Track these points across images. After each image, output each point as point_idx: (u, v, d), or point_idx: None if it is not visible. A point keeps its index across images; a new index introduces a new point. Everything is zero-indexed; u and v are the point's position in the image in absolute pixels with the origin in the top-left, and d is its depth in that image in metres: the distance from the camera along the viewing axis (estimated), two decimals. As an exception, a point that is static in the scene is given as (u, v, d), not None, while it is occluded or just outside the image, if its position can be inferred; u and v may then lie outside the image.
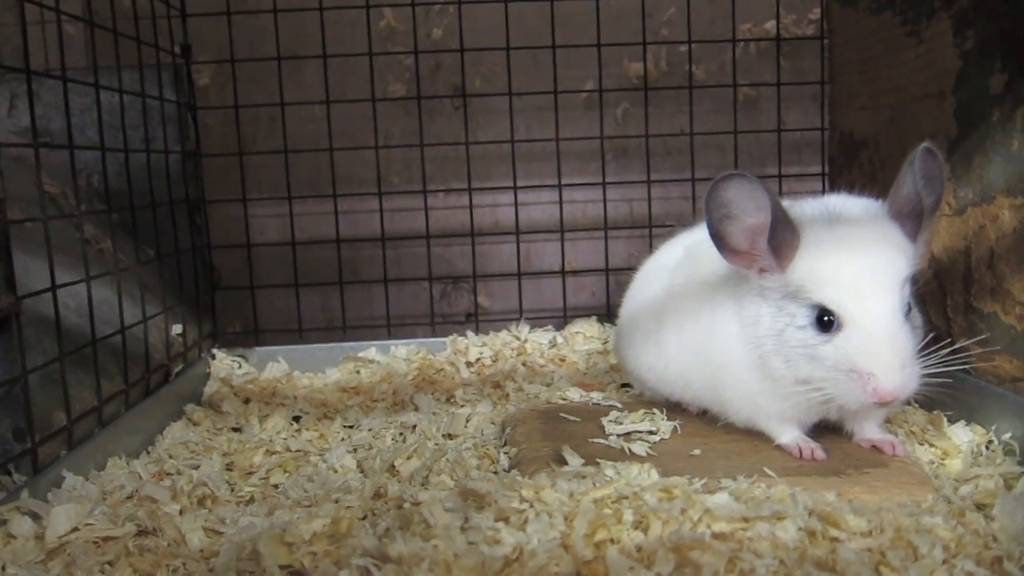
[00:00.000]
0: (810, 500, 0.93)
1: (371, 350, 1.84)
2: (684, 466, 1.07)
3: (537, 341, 1.86)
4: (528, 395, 1.53)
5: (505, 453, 1.23)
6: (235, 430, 1.45)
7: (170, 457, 1.29)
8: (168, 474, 1.21)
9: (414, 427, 1.38)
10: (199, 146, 1.89)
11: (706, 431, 1.22)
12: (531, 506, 0.89)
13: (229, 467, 1.25)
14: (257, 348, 1.86)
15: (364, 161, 1.97)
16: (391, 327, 1.98)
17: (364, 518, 0.97)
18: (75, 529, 0.97)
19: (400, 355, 1.82)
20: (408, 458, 1.19)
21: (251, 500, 1.14)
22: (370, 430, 1.39)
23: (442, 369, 1.72)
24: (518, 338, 1.87)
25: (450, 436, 1.34)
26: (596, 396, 1.45)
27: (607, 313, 1.92)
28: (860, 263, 1.00)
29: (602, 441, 1.19)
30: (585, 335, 1.89)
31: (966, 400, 1.23)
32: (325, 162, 1.93)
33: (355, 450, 1.30)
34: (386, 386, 1.62)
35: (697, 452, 1.14)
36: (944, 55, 1.30)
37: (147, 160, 1.62)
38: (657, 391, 1.34)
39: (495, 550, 0.81)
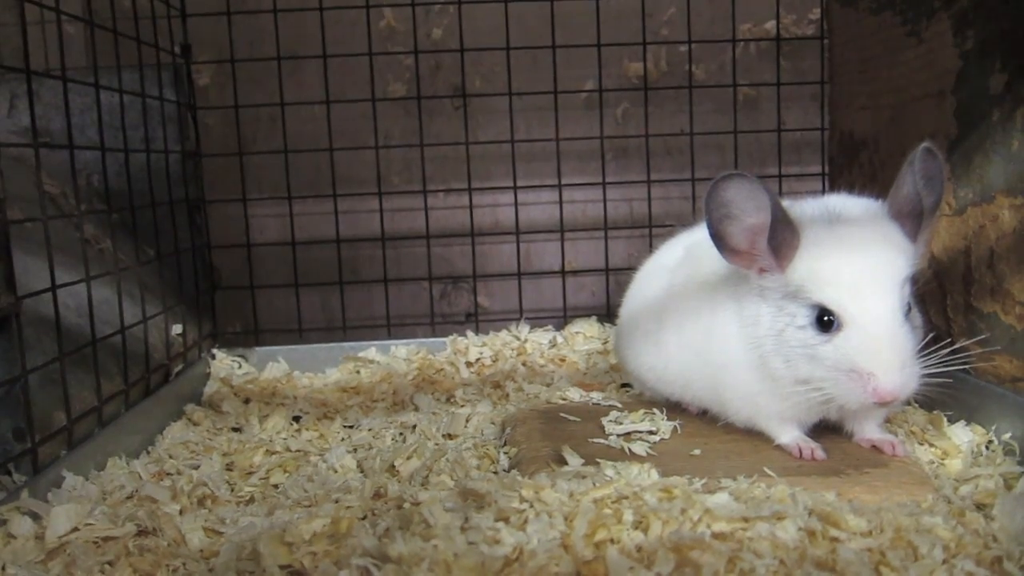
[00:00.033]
0: (810, 500, 0.93)
1: (371, 350, 1.84)
2: (684, 466, 1.07)
3: (537, 341, 1.86)
4: (528, 395, 1.53)
5: (505, 453, 1.23)
6: (235, 430, 1.45)
7: (170, 457, 1.29)
8: (168, 474, 1.21)
9: (414, 427, 1.39)
10: (199, 146, 1.89)
11: (706, 431, 1.22)
12: (531, 506, 0.89)
13: (229, 467, 1.25)
14: (257, 348, 1.86)
15: (364, 161, 1.97)
16: (391, 327, 1.98)
17: (364, 518, 0.97)
18: (75, 529, 0.97)
19: (400, 355, 1.82)
20: (408, 458, 1.19)
21: (251, 500, 1.14)
22: (370, 430, 1.39)
23: (442, 369, 1.72)
24: (518, 338, 1.87)
25: (450, 436, 1.34)
26: (596, 396, 1.45)
27: (607, 313, 1.93)
28: (860, 263, 1.00)
29: (602, 441, 1.19)
30: (585, 335, 1.89)
31: (966, 400, 1.23)
32: (325, 162, 1.93)
33: (355, 450, 1.30)
34: (386, 386, 1.62)
35: (697, 452, 1.14)
36: (944, 55, 1.30)
37: (147, 160, 1.62)
38: (657, 391, 1.34)
39: (495, 550, 0.81)
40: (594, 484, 0.95)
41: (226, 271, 2.00)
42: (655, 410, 1.29)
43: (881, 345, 0.98)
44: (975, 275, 1.24)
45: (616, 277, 1.97)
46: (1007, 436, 1.16)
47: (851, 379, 1.00)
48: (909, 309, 1.02)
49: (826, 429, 1.17)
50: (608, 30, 1.89)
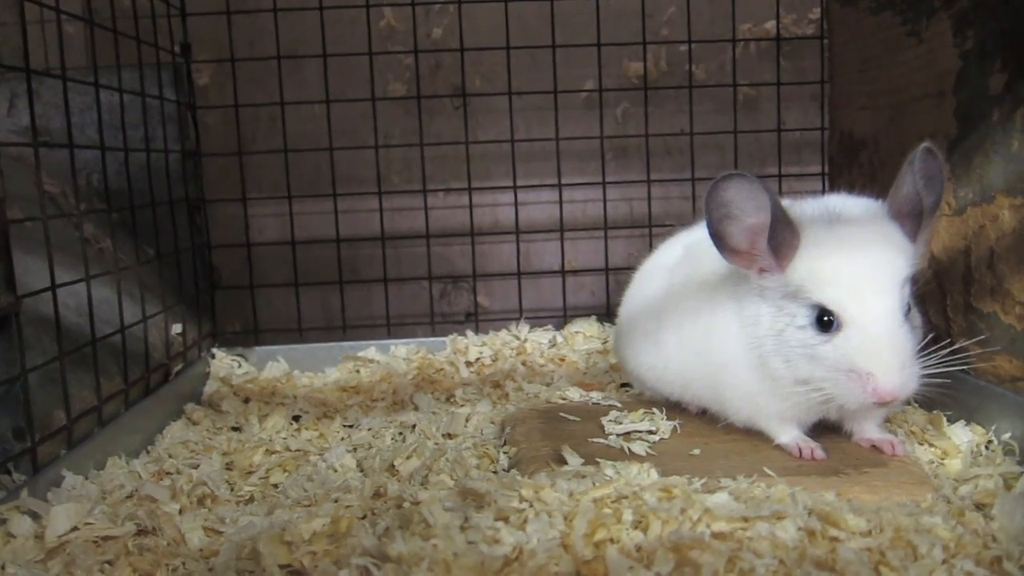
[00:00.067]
0: (810, 500, 0.93)
1: (371, 349, 1.84)
2: (684, 466, 1.07)
3: (537, 341, 1.86)
4: (528, 395, 1.53)
5: (505, 453, 1.23)
6: (235, 429, 1.45)
7: (170, 456, 1.29)
8: (168, 473, 1.21)
9: (414, 427, 1.39)
10: (199, 145, 1.89)
11: (706, 431, 1.22)
12: (531, 506, 0.89)
13: (229, 466, 1.25)
14: (257, 347, 1.86)
15: (364, 160, 1.97)
16: (391, 326, 1.98)
17: (364, 517, 0.97)
18: (75, 528, 0.97)
19: (400, 355, 1.82)
20: (408, 458, 1.19)
21: (251, 499, 1.14)
22: (370, 429, 1.39)
23: (442, 369, 1.72)
24: (518, 338, 1.87)
25: (450, 436, 1.34)
26: (596, 396, 1.45)
27: (607, 313, 1.93)
28: (860, 263, 1.00)
29: (602, 441, 1.19)
30: (585, 335, 1.89)
31: (966, 400, 1.23)
32: (325, 161, 1.93)
33: (355, 449, 1.30)
34: (386, 386, 1.62)
35: (697, 452, 1.14)
36: (944, 55, 1.30)
37: (147, 159, 1.62)
38: (656, 391, 1.34)
39: (495, 549, 0.81)
40: (594, 484, 0.95)
41: (226, 270, 2.00)
42: (655, 410, 1.29)
43: (881, 345, 0.98)
44: (975, 275, 1.24)
45: (616, 277, 1.97)
46: (1007, 436, 1.16)
47: (851, 379, 1.00)
48: (908, 309, 1.02)
49: (826, 429, 1.17)
50: (608, 30, 1.89)
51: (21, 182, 1.29)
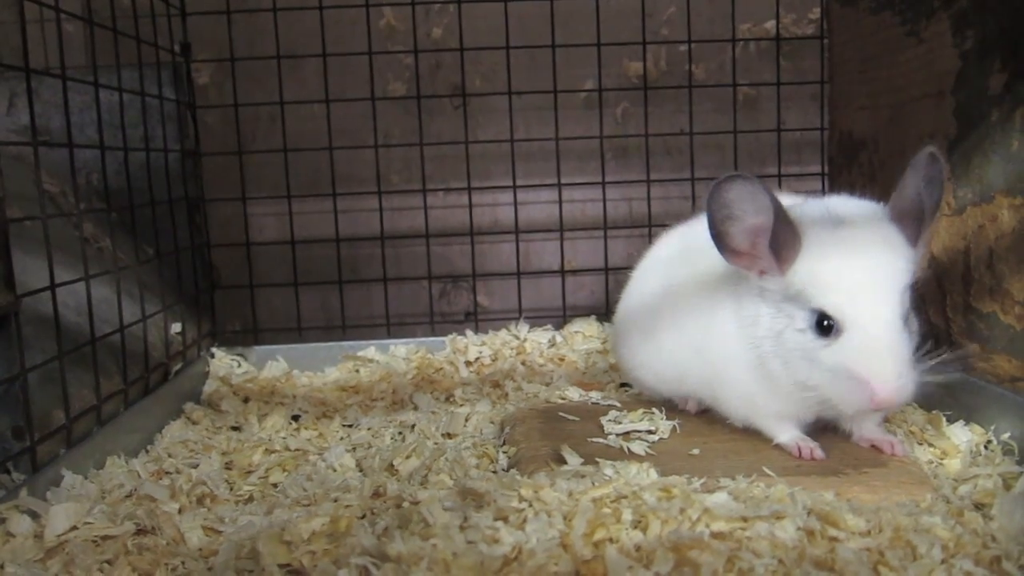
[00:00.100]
0: (809, 499, 0.93)
1: (370, 349, 1.84)
2: (683, 465, 1.07)
3: (536, 340, 1.86)
4: (527, 394, 1.53)
5: (504, 452, 1.23)
6: (234, 429, 1.45)
7: (169, 456, 1.29)
8: (167, 473, 1.20)
9: (413, 426, 1.38)
10: (198, 145, 1.89)
11: (705, 430, 1.22)
12: (530, 505, 0.89)
13: (228, 466, 1.25)
14: (256, 347, 1.86)
15: (364, 160, 1.97)
16: (390, 326, 1.98)
17: (363, 517, 0.97)
18: (74, 528, 0.97)
19: (399, 354, 1.82)
20: (407, 457, 1.19)
21: (250, 499, 1.14)
22: (369, 429, 1.39)
23: (441, 368, 1.72)
24: (517, 337, 1.87)
25: (449, 435, 1.34)
26: (595, 395, 1.45)
27: (606, 312, 1.92)
28: (862, 270, 1.00)
29: (601, 440, 1.19)
30: (584, 334, 1.89)
31: (965, 400, 1.23)
32: (325, 161, 1.93)
33: (354, 449, 1.30)
34: (385, 385, 1.62)
35: (696, 451, 1.14)
36: (943, 55, 1.30)
37: (146, 159, 1.62)
38: (654, 389, 1.34)
39: (494, 549, 0.81)
40: (593, 483, 0.95)
41: (225, 270, 2.00)
42: (654, 410, 1.29)
43: (879, 352, 0.98)
44: (974, 275, 1.24)
45: (615, 277, 1.97)
46: (1006, 436, 1.16)
47: (848, 384, 1.00)
48: (907, 315, 1.02)
49: (825, 428, 1.17)
50: (608, 29, 1.89)
51: (21, 181, 1.29)
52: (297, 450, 1.31)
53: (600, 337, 1.86)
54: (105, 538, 0.96)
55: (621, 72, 2.06)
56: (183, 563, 0.92)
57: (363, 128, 1.94)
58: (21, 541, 0.95)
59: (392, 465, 1.18)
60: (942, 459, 1.16)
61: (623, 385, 1.55)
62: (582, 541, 0.82)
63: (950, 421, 1.24)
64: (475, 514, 0.87)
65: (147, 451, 1.33)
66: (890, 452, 1.11)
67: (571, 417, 1.29)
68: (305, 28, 1.91)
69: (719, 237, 1.05)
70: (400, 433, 1.37)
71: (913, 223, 1.04)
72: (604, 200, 2.00)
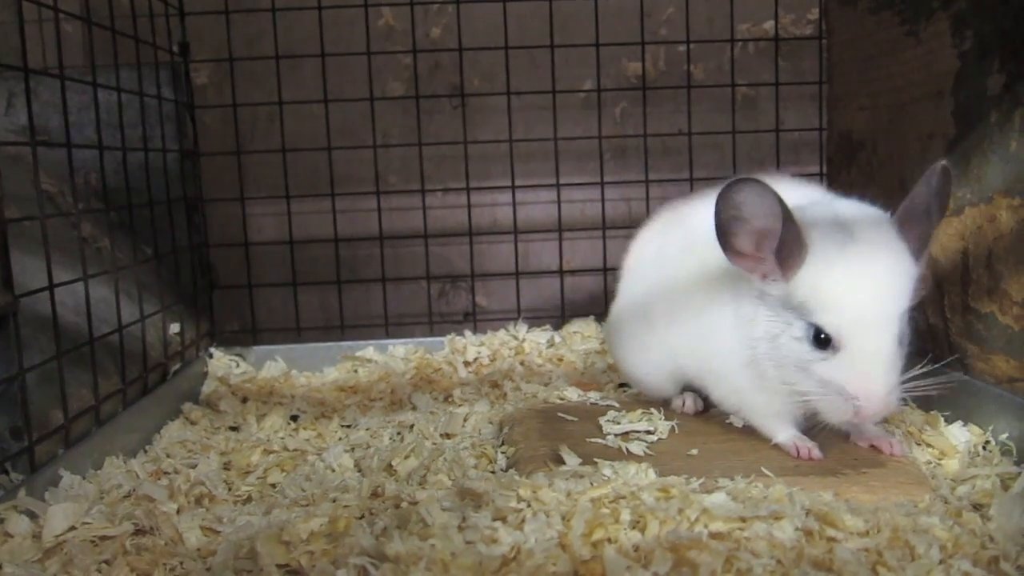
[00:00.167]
0: (807, 500, 0.93)
1: (369, 349, 1.84)
2: (681, 466, 1.07)
3: (535, 341, 1.86)
4: (526, 394, 1.53)
5: (503, 452, 1.23)
6: (233, 429, 1.45)
7: (167, 456, 1.29)
8: (165, 473, 1.20)
9: (412, 426, 1.38)
10: (197, 145, 1.89)
11: (703, 431, 1.22)
12: (528, 505, 0.89)
13: (227, 466, 1.25)
14: (255, 347, 1.86)
15: (362, 160, 1.97)
16: (389, 326, 1.98)
17: (362, 517, 0.97)
18: (72, 528, 0.97)
19: (398, 354, 1.82)
20: (406, 457, 1.19)
21: (248, 499, 1.14)
22: (368, 429, 1.39)
23: (440, 368, 1.72)
24: (516, 337, 1.87)
25: (448, 435, 1.34)
26: (594, 396, 1.45)
27: (605, 313, 1.92)
28: (866, 294, 0.99)
29: (600, 441, 1.19)
30: (583, 335, 1.89)
31: (963, 400, 1.23)
32: (323, 161, 1.93)
33: (353, 449, 1.30)
34: (384, 385, 1.62)
35: (694, 452, 1.14)
36: (942, 55, 1.30)
37: (145, 159, 1.62)
38: (649, 385, 1.34)
39: (492, 549, 0.81)
40: (591, 484, 0.95)
41: (224, 270, 2.00)
42: (652, 410, 1.29)
43: (873, 375, 0.99)
44: (973, 275, 1.24)
45: (614, 277, 1.97)
46: (1004, 436, 1.16)
47: (837, 397, 1.01)
48: (903, 335, 1.02)
49: (823, 428, 1.16)
50: (606, 30, 1.89)
51: (19, 181, 1.29)
52: (295, 450, 1.31)
53: (598, 337, 1.86)
54: (103, 538, 0.96)
55: (620, 72, 2.07)
56: (181, 563, 0.92)
57: (362, 128, 1.94)
58: (19, 541, 0.95)
59: (391, 465, 1.18)
60: (940, 459, 1.16)
61: (622, 385, 1.55)
62: (580, 541, 0.82)
63: (948, 421, 1.24)
64: (473, 514, 0.87)
65: (145, 451, 1.33)
66: (888, 452, 1.12)
67: (570, 417, 1.29)
68: (304, 28, 1.91)
69: (724, 237, 1.04)
70: (399, 433, 1.37)
71: (919, 236, 1.03)
72: (603, 200, 2.00)
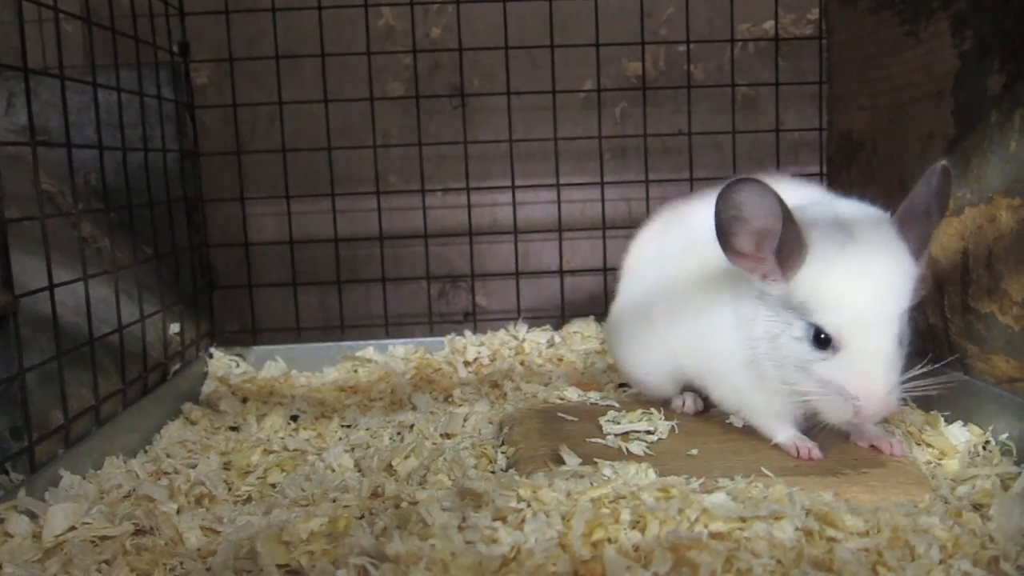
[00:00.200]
0: (807, 500, 0.93)
1: (369, 349, 1.84)
2: (681, 466, 1.07)
3: (535, 341, 1.86)
4: (526, 395, 1.53)
5: (503, 452, 1.23)
6: (233, 429, 1.45)
7: (167, 456, 1.29)
8: (165, 473, 1.20)
9: (412, 426, 1.38)
10: (197, 145, 1.89)
11: (703, 431, 1.22)
12: (528, 505, 0.89)
13: (227, 466, 1.25)
14: (255, 347, 1.86)
15: (362, 160, 1.97)
16: (389, 326, 1.98)
17: (362, 517, 0.97)
18: (72, 528, 0.97)
19: (398, 354, 1.82)
20: (406, 457, 1.19)
21: (248, 499, 1.14)
22: (368, 429, 1.39)
23: (440, 368, 1.72)
24: (516, 337, 1.87)
25: (448, 435, 1.34)
26: (594, 396, 1.45)
27: (605, 313, 1.92)
28: (866, 295, 0.99)
29: (600, 441, 1.19)
30: (583, 335, 1.89)
31: (963, 400, 1.23)
32: (323, 161, 1.93)
33: (353, 449, 1.30)
34: (384, 385, 1.62)
35: (695, 452, 1.14)
36: (942, 55, 1.30)
37: (145, 159, 1.62)
38: (648, 384, 1.34)
39: (492, 549, 0.81)
40: (591, 484, 0.95)
41: (224, 270, 2.00)
42: (652, 410, 1.29)
43: (872, 376, 0.99)
44: (973, 275, 1.24)
45: (614, 277, 1.97)
46: (1004, 436, 1.16)
47: (836, 397, 1.01)
48: (903, 336, 1.02)
49: (823, 428, 1.17)
50: (606, 30, 1.89)
51: (19, 181, 1.29)
52: (295, 450, 1.31)
53: (598, 337, 1.86)
54: (103, 538, 0.96)
55: (620, 72, 2.07)
56: (181, 563, 0.92)
57: (362, 128, 1.94)
58: (19, 541, 0.95)
59: (391, 465, 1.18)
60: (940, 459, 1.16)
61: (622, 385, 1.55)
62: (580, 541, 0.82)
63: (948, 421, 1.24)
64: (473, 514, 0.87)
65: (145, 451, 1.33)
66: (888, 452, 1.12)
67: (569, 417, 1.29)
68: (304, 28, 1.91)
69: (724, 237, 1.04)
70: (399, 433, 1.37)
71: (919, 236, 1.03)
72: (603, 200, 2.00)
